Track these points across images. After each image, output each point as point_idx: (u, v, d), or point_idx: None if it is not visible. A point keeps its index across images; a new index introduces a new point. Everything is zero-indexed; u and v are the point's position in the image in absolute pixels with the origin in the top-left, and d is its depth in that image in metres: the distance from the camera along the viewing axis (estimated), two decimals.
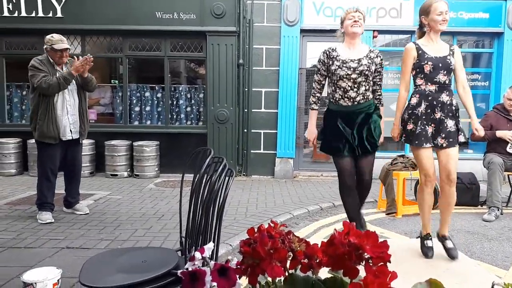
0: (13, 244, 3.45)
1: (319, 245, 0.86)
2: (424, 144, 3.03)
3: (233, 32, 6.87)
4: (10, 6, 6.83)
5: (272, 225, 0.80)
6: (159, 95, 7.33)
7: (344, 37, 3.31)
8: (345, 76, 3.12)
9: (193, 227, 2.08)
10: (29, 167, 6.64)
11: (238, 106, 6.97)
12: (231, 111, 6.93)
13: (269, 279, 0.88)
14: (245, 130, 7.01)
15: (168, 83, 7.20)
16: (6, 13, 6.84)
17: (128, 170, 6.77)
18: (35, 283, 2.39)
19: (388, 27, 6.97)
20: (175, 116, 7.35)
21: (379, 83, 3.34)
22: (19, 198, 5.09)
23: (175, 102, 7.35)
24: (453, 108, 3.06)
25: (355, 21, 3.17)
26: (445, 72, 3.03)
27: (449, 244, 3.17)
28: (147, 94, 7.34)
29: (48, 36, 4.12)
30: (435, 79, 3.02)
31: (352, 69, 3.12)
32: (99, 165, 6.87)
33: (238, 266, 0.78)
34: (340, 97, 3.18)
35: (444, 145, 3.02)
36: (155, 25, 6.81)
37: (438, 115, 3.03)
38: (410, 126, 3.08)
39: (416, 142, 3.04)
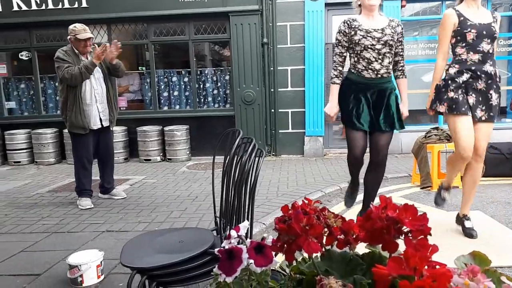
0: (57, 229, 3.63)
1: (355, 221, 0.84)
2: (465, 112, 2.86)
3: (255, 11, 6.76)
4: (38, 0, 6.99)
5: (306, 202, 0.80)
6: (186, 79, 7.38)
7: (360, 9, 3.14)
8: (370, 46, 2.92)
9: (226, 207, 2.11)
10: (67, 155, 6.90)
11: (264, 86, 6.92)
12: (258, 92, 6.90)
13: (306, 255, 0.88)
14: (273, 110, 6.97)
15: (194, 67, 7.23)
16: (34, 7, 7.01)
17: (161, 154, 6.92)
18: (80, 265, 2.52)
19: None
20: (202, 100, 7.40)
21: (401, 53, 3.13)
22: (59, 186, 5.32)
23: (202, 86, 7.38)
24: (497, 79, 2.89)
25: None
26: (489, 41, 2.85)
27: (468, 224, 3.11)
28: (174, 79, 7.40)
29: (71, 26, 4.17)
30: (478, 48, 2.85)
31: (376, 39, 2.93)
32: (133, 150, 7.05)
33: (274, 244, 0.78)
34: (363, 68, 2.98)
35: (484, 118, 2.87)
36: (178, 9, 6.80)
37: (481, 85, 2.86)
38: (450, 94, 2.90)
39: (456, 109, 2.87)
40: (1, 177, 6.04)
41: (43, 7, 7.00)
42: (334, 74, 3.11)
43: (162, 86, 7.41)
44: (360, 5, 3.11)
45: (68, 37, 4.19)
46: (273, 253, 0.83)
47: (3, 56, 7.58)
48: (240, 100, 6.92)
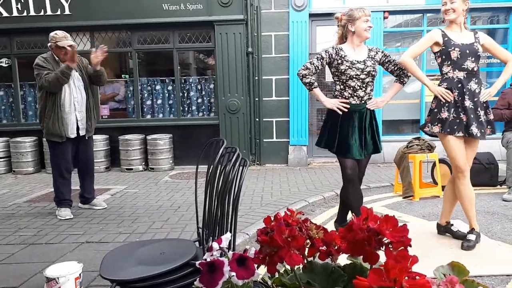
0: (34, 240, 3.52)
1: (336, 232, 0.84)
2: (457, 132, 3.00)
3: (240, 20, 6.80)
4: (19, 6, 6.88)
5: (288, 213, 0.79)
6: (170, 87, 7.34)
7: (342, 40, 3.24)
8: (355, 76, 3.10)
9: (209, 217, 2.08)
10: (46, 164, 6.73)
11: (249, 95, 6.93)
12: (242, 101, 6.91)
13: (288, 267, 0.87)
14: (257, 119, 6.99)
15: (178, 76, 7.20)
16: (15, 13, 6.90)
17: (143, 163, 6.83)
18: (58, 277, 2.44)
19: (399, 7, 6.82)
20: (186, 108, 7.36)
21: (396, 68, 3.26)
22: (38, 196, 5.19)
23: (186, 94, 7.35)
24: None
25: (370, 26, 3.11)
26: (473, 59, 3.00)
27: (455, 228, 3.35)
28: (158, 87, 7.36)
29: (52, 34, 4.10)
30: (463, 66, 3.00)
31: (360, 69, 3.10)
32: (114, 160, 6.95)
33: (256, 256, 0.77)
34: (349, 95, 3.15)
35: (478, 135, 2.98)
36: (162, 17, 6.78)
37: (467, 103, 2.98)
38: (444, 115, 3.04)
39: (448, 129, 3.01)
40: None
41: (25, 14, 6.89)
42: (310, 81, 3.18)
43: (146, 94, 7.35)
44: (342, 35, 3.20)
45: (49, 44, 4.12)
46: (255, 265, 0.83)
47: None
48: (225, 109, 6.92)
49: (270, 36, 6.93)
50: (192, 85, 7.36)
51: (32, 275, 2.80)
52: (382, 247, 0.73)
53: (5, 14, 6.90)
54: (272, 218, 0.78)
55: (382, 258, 0.74)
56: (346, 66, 3.09)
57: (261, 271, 0.88)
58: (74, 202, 4.39)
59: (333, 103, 3.16)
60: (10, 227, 3.89)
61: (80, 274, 2.55)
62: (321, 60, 3.16)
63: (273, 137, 7.04)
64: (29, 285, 2.66)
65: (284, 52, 6.92)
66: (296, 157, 6.93)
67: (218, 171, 2.01)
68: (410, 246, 0.73)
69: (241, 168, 1.95)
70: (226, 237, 0.94)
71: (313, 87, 3.21)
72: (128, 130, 7.06)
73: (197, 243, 2.17)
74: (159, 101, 7.36)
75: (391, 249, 0.72)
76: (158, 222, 3.93)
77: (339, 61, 3.12)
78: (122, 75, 7.77)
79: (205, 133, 7.04)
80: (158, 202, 4.70)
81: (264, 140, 7.03)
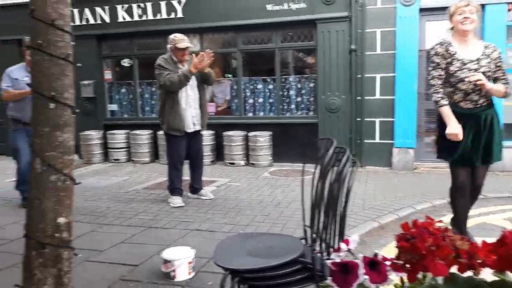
0: (151, 224, 3.90)
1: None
2: None
3: (344, 18, 6.66)
4: (139, 11, 7.63)
5: (428, 221, 0.76)
6: (270, 86, 7.50)
7: (453, 33, 2.95)
8: (465, 78, 2.79)
9: (316, 217, 2.09)
10: (160, 156, 7.42)
11: (350, 93, 6.76)
12: (343, 99, 6.76)
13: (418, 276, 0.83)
14: (359, 119, 6.78)
15: (279, 75, 7.32)
16: (136, 18, 7.67)
17: (244, 159, 7.11)
18: (174, 260, 2.67)
19: None
20: (286, 107, 7.46)
21: (502, 77, 2.88)
22: (153, 183, 5.73)
23: (285, 93, 7.44)
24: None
25: (465, 17, 2.81)
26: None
27: None
28: (260, 86, 7.57)
29: (171, 36, 4.47)
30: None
31: (472, 71, 2.77)
32: (219, 154, 7.35)
33: (393, 262, 0.76)
34: (461, 99, 2.86)
35: None
36: (266, 18, 6.95)
37: None
38: None
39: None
40: (103, 173, 6.68)
41: (144, 18, 7.63)
42: (438, 97, 2.92)
43: (248, 93, 7.62)
44: (452, 28, 2.93)
45: (168, 45, 4.49)
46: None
47: (109, 62, 8.40)
48: (324, 107, 6.85)
49: (374, 32, 6.66)
50: (292, 84, 7.42)
51: (150, 255, 3.10)
52: None
53: (127, 19, 7.72)
54: (411, 224, 0.75)
55: None
56: (457, 67, 2.81)
57: (393, 277, 0.86)
58: (185, 191, 4.74)
59: (455, 132, 2.82)
60: (131, 211, 4.37)
61: (192, 259, 2.76)
62: (438, 67, 2.93)
63: (375, 138, 6.77)
64: (148, 264, 2.96)
65: (390, 49, 6.59)
66: (402, 160, 6.56)
67: (328, 170, 2.00)
68: None
69: (351, 169, 1.92)
70: (354, 239, 0.93)
71: (439, 104, 2.90)
72: (231, 126, 7.39)
73: (303, 241, 2.20)
74: (260, 100, 7.57)
75: None
76: (260, 216, 4.06)
77: (449, 60, 2.85)
78: (225, 75, 8.16)
79: (304, 131, 7.06)
80: (259, 197, 4.84)
81: (366, 141, 6.79)
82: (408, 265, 0.71)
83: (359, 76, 6.72)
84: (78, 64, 7.21)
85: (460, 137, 2.83)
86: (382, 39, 6.62)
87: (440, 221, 0.78)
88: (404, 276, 0.81)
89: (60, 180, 1.96)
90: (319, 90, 6.90)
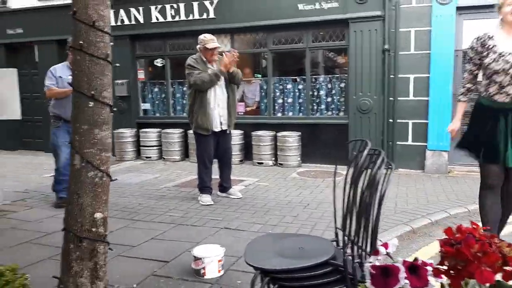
0: (181, 221, 3.97)
1: None
2: None
3: (377, 17, 6.54)
4: (172, 12, 7.77)
5: (473, 226, 0.73)
6: (300, 86, 7.46)
7: (502, 24, 2.85)
8: (501, 70, 2.72)
9: (347, 219, 2.06)
10: (190, 154, 7.53)
11: (382, 94, 6.63)
12: (375, 100, 6.64)
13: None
14: (391, 120, 6.64)
15: (309, 75, 7.27)
16: (169, 18, 7.81)
17: (273, 159, 7.10)
18: (204, 258, 2.71)
19: None
20: (315, 107, 7.40)
21: None
22: (183, 181, 5.82)
23: (315, 93, 7.38)
24: None
25: None
26: None
27: None
28: (289, 86, 7.54)
29: (201, 36, 4.54)
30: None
31: (509, 63, 2.70)
32: (247, 153, 7.37)
33: (436, 267, 0.74)
34: (495, 91, 2.78)
35: None
36: (297, 17, 6.91)
37: None
38: None
39: None
40: (135, 170, 6.85)
41: (177, 19, 7.75)
42: (460, 92, 3.08)
43: (277, 93, 7.61)
44: (502, 20, 2.84)
45: (198, 46, 4.56)
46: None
47: (142, 62, 8.60)
48: (355, 108, 6.74)
49: (409, 32, 6.50)
50: (322, 84, 7.35)
51: (181, 252, 3.15)
52: None
53: (161, 19, 7.86)
54: (455, 230, 0.73)
55: None
56: (491, 59, 2.75)
57: (434, 283, 0.84)
58: (214, 190, 4.79)
59: (449, 127, 3.18)
60: (162, 207, 4.46)
61: (222, 257, 2.79)
62: (472, 61, 2.94)
63: (408, 140, 6.60)
64: (179, 261, 3.01)
65: (424, 49, 6.42)
66: (435, 163, 6.38)
67: (361, 173, 1.97)
68: None
69: (386, 172, 1.89)
70: (393, 243, 0.92)
71: (458, 98, 3.09)
72: (260, 126, 7.40)
73: (334, 243, 2.18)
74: (290, 100, 7.54)
75: None
76: (288, 217, 4.05)
77: (485, 54, 2.80)
78: (255, 75, 8.18)
79: (334, 132, 6.98)
80: (288, 197, 4.83)
81: (398, 143, 6.64)
82: (452, 271, 0.69)
83: (392, 76, 6.58)
84: (117, 64, 7.44)
85: (452, 133, 3.17)
86: (416, 38, 6.46)
87: (486, 227, 0.76)
88: (445, 281, 0.79)
89: (97, 176, 2.03)
90: (350, 91, 6.80)
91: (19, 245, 3.38)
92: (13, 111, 4.51)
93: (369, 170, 1.93)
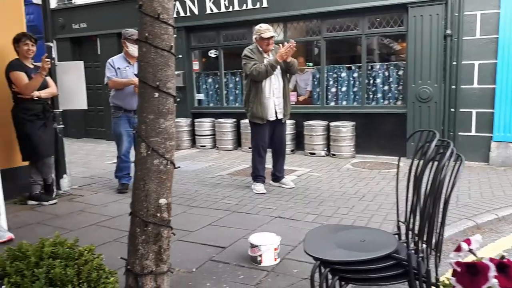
0: (236, 209, 4.04)
1: None
2: None
3: (439, 0, 6.18)
4: (226, 2, 7.83)
5: None
6: (355, 74, 7.26)
7: None
8: None
9: (411, 213, 1.99)
10: (242, 143, 7.64)
11: (444, 82, 6.29)
12: (435, 88, 6.31)
13: None
14: (452, 110, 6.28)
15: (364, 62, 7.05)
16: (223, 9, 7.88)
17: (325, 149, 7.00)
18: (260, 245, 2.74)
19: None
20: (371, 96, 7.17)
21: None
22: (236, 170, 5.92)
23: (371, 81, 7.15)
24: None
25: None
26: None
27: None
28: (343, 74, 7.36)
29: (257, 26, 4.56)
30: None
31: None
32: (298, 143, 7.33)
33: None
34: None
35: None
36: (353, 3, 6.70)
37: None
38: None
39: None
40: (191, 158, 7.06)
41: (230, 9, 7.81)
42: None
43: (331, 82, 7.46)
44: None
45: (254, 36, 4.58)
46: None
47: (196, 53, 8.78)
48: (414, 97, 6.45)
49: (474, 15, 6.08)
50: (379, 71, 7.10)
51: (237, 239, 3.22)
52: None
53: (215, 10, 7.96)
54: None
55: None
56: None
57: None
58: (267, 179, 4.82)
59: None
60: (217, 195, 4.57)
61: (278, 246, 2.81)
62: None
63: (471, 130, 6.22)
64: (235, 247, 3.07)
65: (492, 33, 5.98)
66: (501, 155, 5.97)
67: (426, 164, 1.89)
68: None
69: (456, 165, 1.79)
70: (476, 239, 0.87)
71: None
72: (312, 116, 7.32)
73: (396, 237, 2.11)
74: (344, 88, 7.37)
75: None
76: (343, 208, 3.99)
77: None
78: (307, 63, 8.07)
79: (390, 122, 6.75)
80: (342, 189, 4.76)
81: (460, 133, 6.28)
82: None
83: (454, 63, 6.22)
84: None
85: None
86: (482, 22, 6.02)
87: None
88: None
89: (162, 163, 2.11)
90: (409, 78, 6.51)
91: (88, 226, 3.62)
92: (80, 102, 4.81)
93: (435, 162, 1.85)
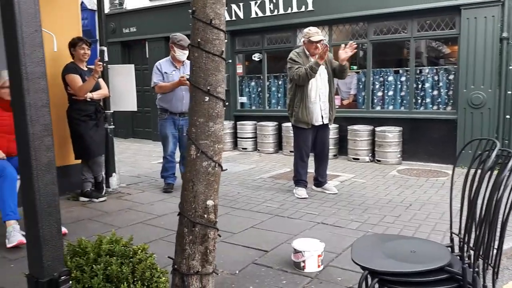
0: (278, 212, 4.03)
1: None
2: None
3: (495, 2, 5.88)
4: (271, 6, 7.86)
5: None
6: (402, 78, 7.04)
7: None
8: None
9: (467, 224, 1.90)
10: (283, 147, 7.63)
11: (499, 87, 5.97)
12: (489, 94, 6.00)
13: None
14: (508, 116, 5.95)
15: (413, 66, 6.83)
16: (268, 13, 7.92)
17: (370, 155, 6.84)
18: (304, 251, 2.71)
19: None
20: (419, 101, 6.93)
21: None
22: (278, 173, 5.91)
23: (420, 86, 6.91)
24: None
25: None
26: None
27: None
28: (390, 78, 7.16)
29: (305, 29, 4.53)
30: None
31: None
32: (341, 148, 7.21)
33: None
34: None
35: None
36: (402, 6, 6.52)
37: None
38: None
39: None
40: (233, 160, 7.14)
41: (275, 13, 7.83)
42: None
43: (377, 86, 7.28)
44: None
45: (302, 39, 4.55)
46: None
47: (240, 57, 8.88)
48: (466, 102, 6.17)
49: None
50: (428, 76, 6.85)
51: (279, 243, 3.21)
52: None
53: (260, 14, 8.02)
54: None
55: None
56: None
57: None
58: (309, 184, 4.78)
59: None
60: (258, 198, 4.58)
61: (322, 252, 2.77)
62: None
63: None
64: (278, 251, 3.06)
65: None
66: None
67: (480, 174, 1.80)
68: None
69: None
70: None
71: None
72: (356, 120, 7.18)
73: (449, 249, 2.02)
74: (390, 93, 7.17)
75: None
76: (389, 217, 3.87)
77: None
78: (351, 67, 7.91)
79: (440, 128, 6.50)
80: (387, 196, 4.62)
81: None
82: None
83: (510, 67, 5.88)
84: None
85: None
86: None
87: None
88: None
89: (210, 166, 2.14)
90: (460, 83, 6.23)
91: (135, 224, 3.74)
92: (130, 103, 4.99)
93: (492, 172, 1.76)
